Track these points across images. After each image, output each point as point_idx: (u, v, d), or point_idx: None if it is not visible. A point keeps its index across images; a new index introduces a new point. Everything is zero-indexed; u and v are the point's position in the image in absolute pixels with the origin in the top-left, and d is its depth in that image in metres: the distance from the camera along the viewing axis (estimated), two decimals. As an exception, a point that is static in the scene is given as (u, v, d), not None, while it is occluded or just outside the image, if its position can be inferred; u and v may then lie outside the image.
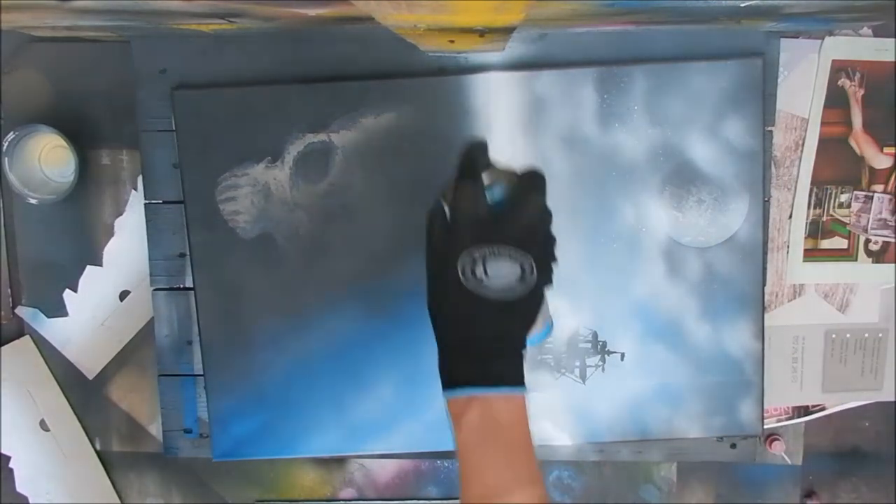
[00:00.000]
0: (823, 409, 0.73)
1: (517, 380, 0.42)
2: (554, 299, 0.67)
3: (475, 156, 0.43)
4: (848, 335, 0.72)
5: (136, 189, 0.71)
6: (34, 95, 0.70)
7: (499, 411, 0.40)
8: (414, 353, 0.68)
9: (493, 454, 0.40)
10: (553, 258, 0.43)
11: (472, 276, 0.41)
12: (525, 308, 0.42)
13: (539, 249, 0.43)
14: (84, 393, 0.73)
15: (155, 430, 0.73)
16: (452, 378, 0.42)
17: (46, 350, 0.73)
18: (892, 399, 0.72)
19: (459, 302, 0.42)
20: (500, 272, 0.41)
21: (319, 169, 0.66)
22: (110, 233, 0.71)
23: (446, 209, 0.44)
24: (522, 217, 0.42)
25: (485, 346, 0.42)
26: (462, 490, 0.41)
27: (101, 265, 0.72)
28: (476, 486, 0.40)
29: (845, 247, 0.71)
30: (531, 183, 0.43)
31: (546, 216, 0.44)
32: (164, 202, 0.69)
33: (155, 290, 0.70)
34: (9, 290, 0.72)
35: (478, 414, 0.40)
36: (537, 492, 0.40)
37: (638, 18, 0.61)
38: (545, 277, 0.42)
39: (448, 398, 0.42)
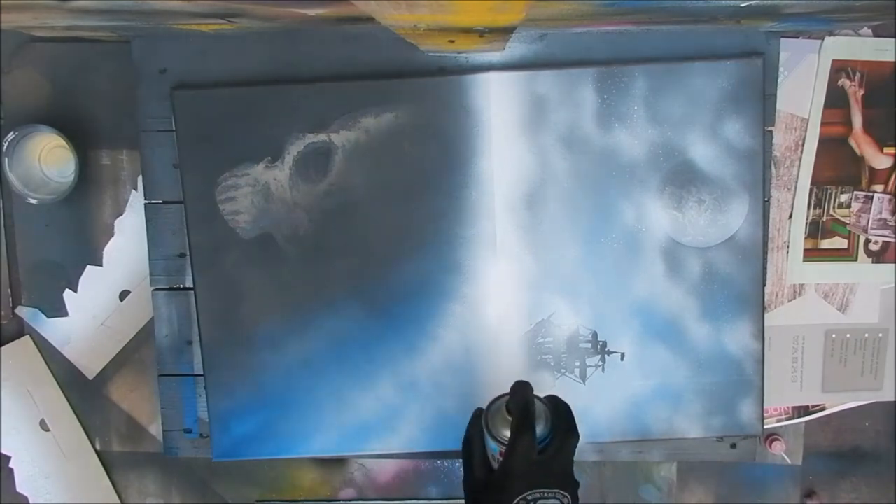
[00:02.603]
0: (823, 409, 0.73)
1: None
2: (554, 299, 0.68)
3: (530, 408, 0.49)
4: (848, 335, 0.72)
5: (136, 189, 0.71)
6: (34, 95, 0.70)
7: None
8: (414, 353, 0.68)
9: None
10: (577, 483, 0.50)
11: None
12: None
13: (573, 481, 0.49)
14: (84, 393, 0.73)
15: (155, 430, 0.73)
16: None
17: (46, 350, 0.73)
18: (892, 399, 0.72)
19: None
20: None
21: (319, 169, 0.66)
22: (110, 233, 0.71)
23: (487, 435, 0.50)
24: (565, 460, 0.49)
25: None
26: None
27: (101, 265, 0.72)
28: None
29: (845, 247, 0.71)
30: (567, 423, 0.50)
31: (574, 450, 0.50)
32: (164, 202, 0.69)
33: (155, 290, 0.70)
34: (9, 290, 0.72)
35: None
36: None
37: (638, 18, 0.61)
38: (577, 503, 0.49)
39: None
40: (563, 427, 0.50)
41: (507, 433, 0.49)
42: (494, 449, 0.49)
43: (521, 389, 0.50)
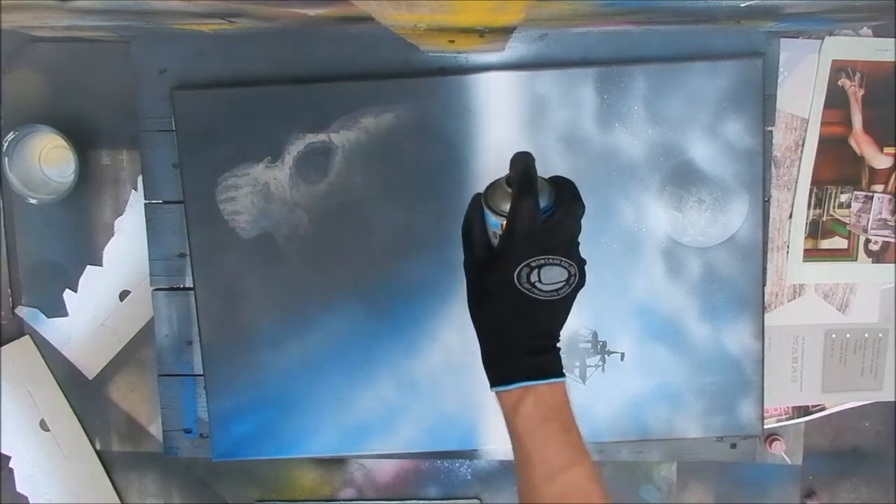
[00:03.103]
0: (823, 409, 0.73)
1: (560, 370, 0.47)
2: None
3: (531, 173, 0.47)
4: (848, 335, 0.72)
5: (136, 189, 0.71)
6: (34, 95, 0.70)
7: (549, 398, 0.46)
8: (414, 353, 0.68)
9: (552, 435, 0.46)
10: (584, 260, 0.48)
11: (527, 281, 0.45)
12: (566, 306, 0.48)
13: (579, 255, 0.48)
14: (84, 393, 0.73)
15: (155, 430, 0.73)
16: (506, 374, 0.47)
17: (46, 350, 0.73)
18: (892, 399, 0.72)
19: (511, 304, 0.46)
20: (552, 278, 0.45)
21: (319, 169, 0.66)
22: (110, 233, 0.71)
23: (486, 211, 0.48)
24: (569, 228, 0.47)
25: (533, 343, 0.47)
26: (524, 471, 0.46)
27: (101, 265, 0.72)
28: (540, 465, 0.45)
29: (845, 247, 0.71)
30: (571, 193, 0.48)
31: (580, 223, 0.49)
32: (164, 202, 0.69)
33: (155, 290, 0.70)
34: (9, 290, 0.72)
35: (532, 403, 0.46)
36: (591, 463, 0.46)
37: (638, 18, 0.61)
38: (583, 278, 0.48)
39: (502, 391, 0.47)
40: (567, 198, 0.47)
41: (508, 206, 0.46)
42: (495, 224, 0.47)
43: (522, 157, 0.47)
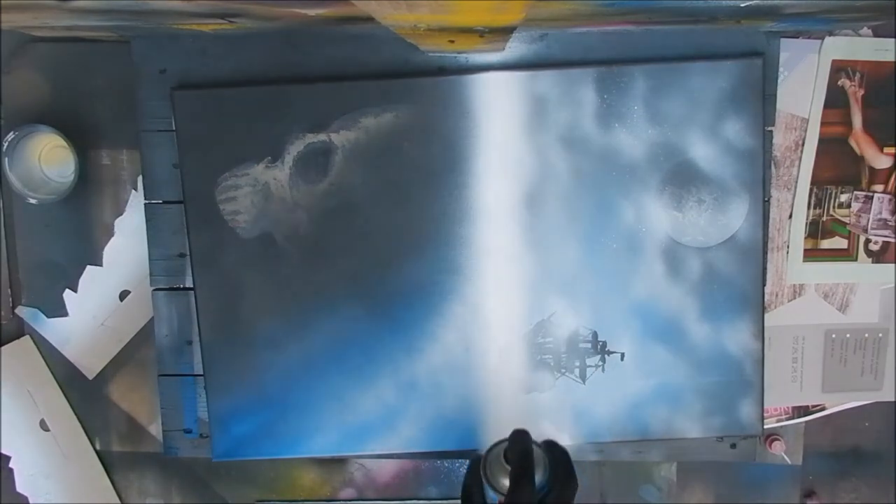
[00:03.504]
0: (823, 409, 0.73)
1: None
2: (554, 299, 0.68)
3: (529, 456, 0.48)
4: (848, 335, 0.72)
5: (136, 189, 0.71)
6: (34, 95, 0.70)
7: None
8: (414, 353, 0.68)
9: None
10: None
11: None
12: None
13: None
14: (84, 393, 0.73)
15: (155, 430, 0.73)
16: None
17: (46, 350, 0.73)
18: (892, 399, 0.72)
19: None
20: None
21: (319, 169, 0.66)
22: (110, 233, 0.71)
23: (485, 483, 0.49)
24: None
25: None
26: None
27: (101, 265, 0.72)
28: None
29: (845, 247, 0.71)
30: (565, 471, 0.50)
31: (573, 499, 0.51)
32: (164, 202, 0.69)
33: (155, 290, 0.70)
34: (9, 290, 0.72)
35: None
36: None
37: (638, 18, 0.61)
38: None
39: None
40: (562, 475, 0.49)
41: (506, 482, 0.48)
42: (494, 498, 0.49)
43: (520, 438, 0.49)
